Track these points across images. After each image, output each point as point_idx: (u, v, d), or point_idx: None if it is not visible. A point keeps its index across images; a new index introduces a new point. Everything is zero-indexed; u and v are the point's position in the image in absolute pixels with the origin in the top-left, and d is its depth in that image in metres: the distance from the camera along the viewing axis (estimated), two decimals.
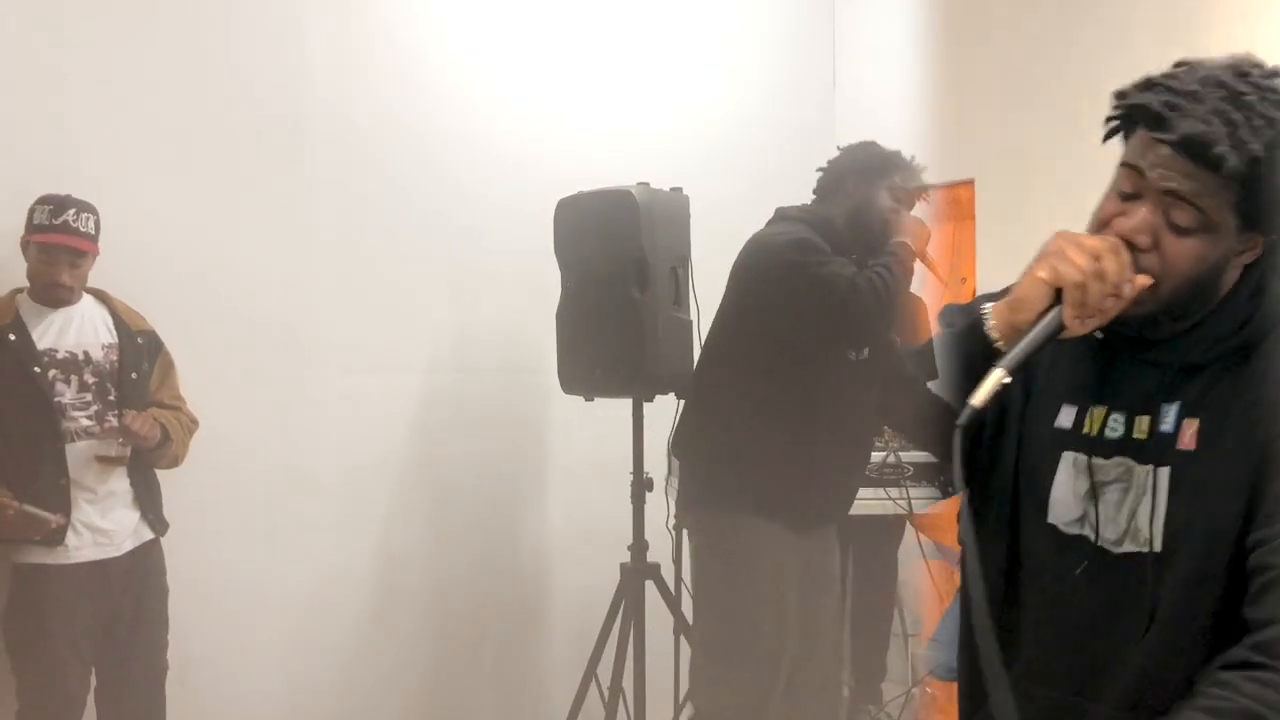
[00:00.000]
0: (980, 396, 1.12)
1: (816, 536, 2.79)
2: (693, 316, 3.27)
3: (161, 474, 2.99)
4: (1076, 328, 1.16)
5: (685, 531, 2.91)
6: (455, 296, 3.84)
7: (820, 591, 2.84)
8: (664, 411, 3.32)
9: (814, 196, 2.86)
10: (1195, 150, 1.13)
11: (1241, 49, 1.20)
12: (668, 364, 3.19)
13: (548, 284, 3.40)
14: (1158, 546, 1.21)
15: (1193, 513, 1.19)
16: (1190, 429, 1.21)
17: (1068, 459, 1.30)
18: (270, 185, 3.46)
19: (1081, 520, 1.28)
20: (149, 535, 2.95)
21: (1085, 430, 1.29)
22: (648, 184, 3.22)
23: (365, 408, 3.64)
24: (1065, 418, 1.31)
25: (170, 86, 3.29)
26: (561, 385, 3.39)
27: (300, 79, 3.52)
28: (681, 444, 2.99)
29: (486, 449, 3.90)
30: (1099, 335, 1.26)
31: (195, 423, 3.05)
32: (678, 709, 3.60)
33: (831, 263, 2.59)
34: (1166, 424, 1.22)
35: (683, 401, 3.08)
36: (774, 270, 2.64)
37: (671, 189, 3.27)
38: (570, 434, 3.96)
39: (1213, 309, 1.23)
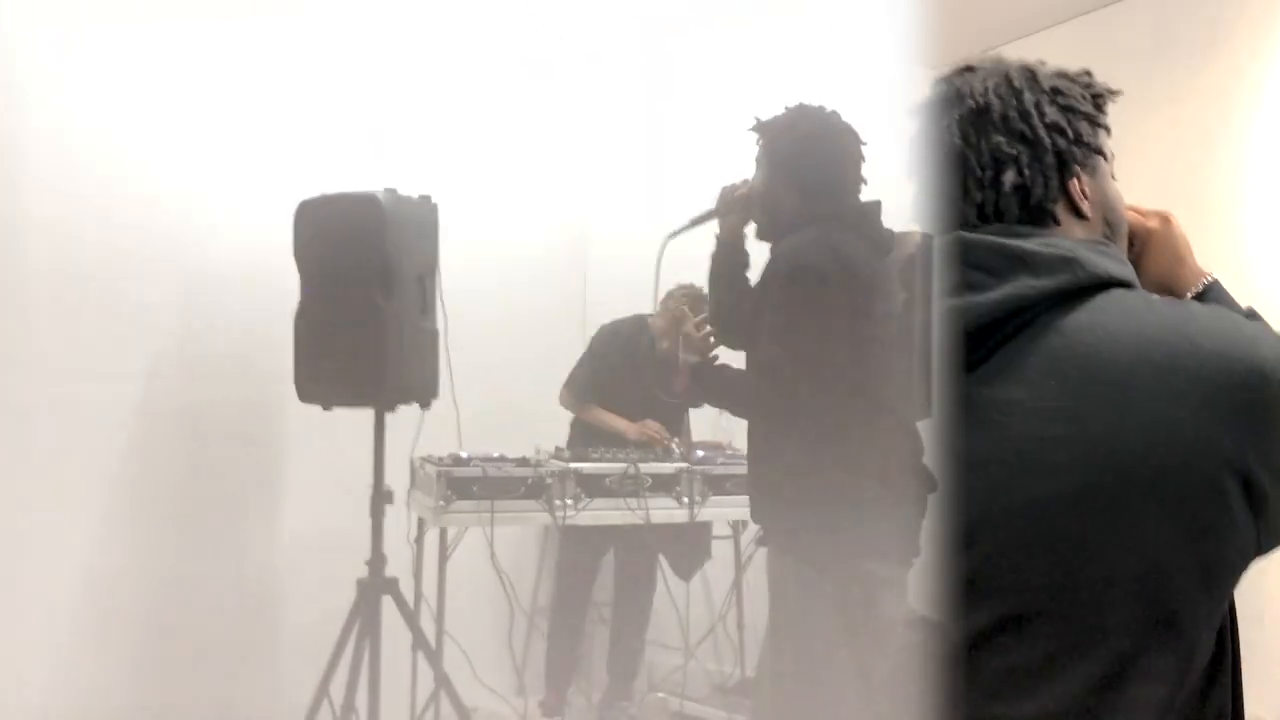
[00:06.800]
0: None
1: None
2: (440, 327, 3.24)
3: None
4: None
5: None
6: (181, 300, 3.64)
7: None
8: (405, 422, 3.27)
9: None
10: None
11: None
12: (411, 374, 3.14)
13: (286, 288, 3.27)
14: None
15: None
16: None
17: None
18: None
19: None
20: None
21: None
22: (394, 190, 3.17)
23: (77, 417, 3.39)
24: None
25: None
26: (298, 393, 3.27)
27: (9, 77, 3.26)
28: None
29: (214, 459, 3.71)
30: None
31: None
32: None
33: None
34: None
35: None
36: None
37: (420, 196, 3.23)
38: (307, 444, 3.82)
39: None
